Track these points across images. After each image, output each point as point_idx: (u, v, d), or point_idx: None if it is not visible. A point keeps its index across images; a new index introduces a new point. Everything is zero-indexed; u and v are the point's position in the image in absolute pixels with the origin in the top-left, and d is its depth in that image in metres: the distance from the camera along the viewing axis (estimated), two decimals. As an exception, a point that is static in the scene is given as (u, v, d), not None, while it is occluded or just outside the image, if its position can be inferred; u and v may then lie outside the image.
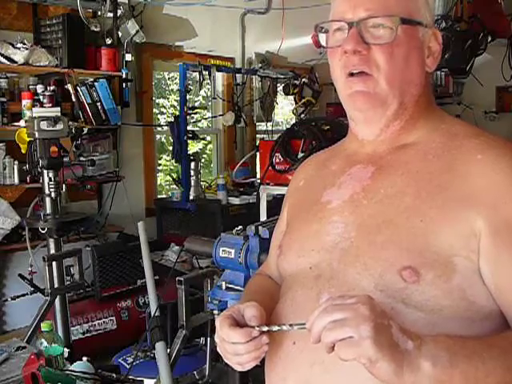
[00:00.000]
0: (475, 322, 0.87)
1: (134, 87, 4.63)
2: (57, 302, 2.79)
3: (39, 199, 3.30)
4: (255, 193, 4.34)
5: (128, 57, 4.38)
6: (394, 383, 0.76)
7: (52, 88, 3.83)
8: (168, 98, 6.93)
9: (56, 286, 2.59)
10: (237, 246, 1.92)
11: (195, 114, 4.85)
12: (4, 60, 3.64)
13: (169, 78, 6.86)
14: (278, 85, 5.58)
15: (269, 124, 5.61)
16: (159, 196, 5.17)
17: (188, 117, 4.58)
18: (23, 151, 3.07)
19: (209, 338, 2.38)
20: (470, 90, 6.02)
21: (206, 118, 5.59)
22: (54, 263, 2.67)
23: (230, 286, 1.94)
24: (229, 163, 5.44)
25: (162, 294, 2.49)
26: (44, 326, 1.66)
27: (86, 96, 4.05)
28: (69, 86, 3.97)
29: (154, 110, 5.29)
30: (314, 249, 1.00)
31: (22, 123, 3.55)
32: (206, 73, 4.60)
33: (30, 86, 3.84)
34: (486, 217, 0.87)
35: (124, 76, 4.34)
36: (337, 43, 0.99)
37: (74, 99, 4.01)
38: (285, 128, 5.73)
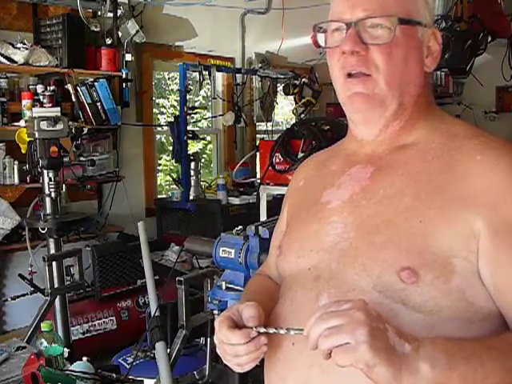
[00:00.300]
0: (474, 323, 0.87)
1: (134, 87, 4.62)
2: (57, 302, 2.79)
3: (39, 199, 3.30)
4: (255, 193, 4.33)
5: (128, 57, 4.38)
6: None
7: (52, 88, 3.83)
8: (168, 98, 6.92)
9: (56, 286, 2.59)
10: (237, 246, 1.93)
11: (195, 114, 4.85)
12: (4, 60, 3.64)
13: (169, 78, 6.85)
14: (278, 85, 5.57)
15: (269, 124, 5.61)
16: (159, 196, 5.16)
17: (188, 117, 4.58)
18: (23, 151, 3.07)
19: (209, 338, 2.38)
20: (470, 90, 6.02)
21: (205, 118, 5.59)
22: (53, 263, 2.67)
23: (230, 286, 1.95)
24: (229, 163, 5.44)
25: (162, 294, 2.49)
26: (44, 326, 1.66)
27: (85, 96, 4.05)
28: (69, 86, 3.97)
29: (154, 110, 5.28)
30: (313, 249, 0.99)
31: (22, 123, 3.55)
32: (205, 73, 4.60)
33: (30, 86, 3.84)
34: (486, 217, 0.87)
35: (124, 76, 4.33)
36: (335, 43, 0.99)
37: (73, 99, 4.01)
38: (285, 128, 5.72)
